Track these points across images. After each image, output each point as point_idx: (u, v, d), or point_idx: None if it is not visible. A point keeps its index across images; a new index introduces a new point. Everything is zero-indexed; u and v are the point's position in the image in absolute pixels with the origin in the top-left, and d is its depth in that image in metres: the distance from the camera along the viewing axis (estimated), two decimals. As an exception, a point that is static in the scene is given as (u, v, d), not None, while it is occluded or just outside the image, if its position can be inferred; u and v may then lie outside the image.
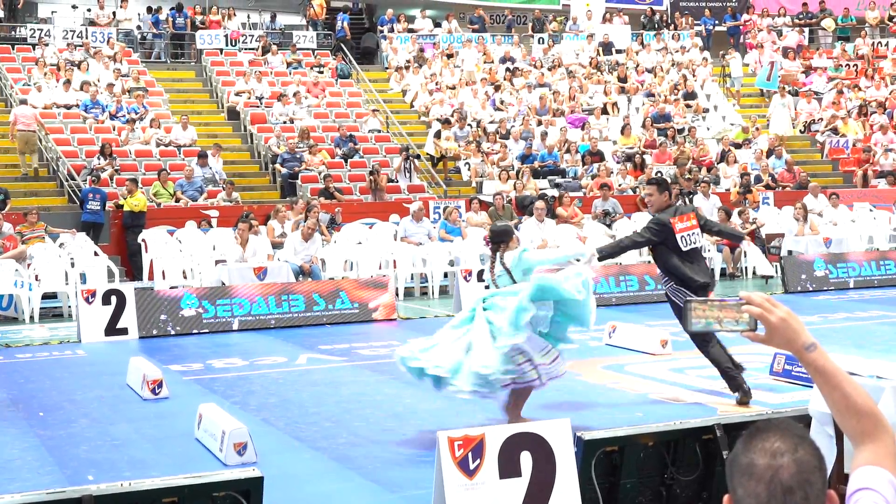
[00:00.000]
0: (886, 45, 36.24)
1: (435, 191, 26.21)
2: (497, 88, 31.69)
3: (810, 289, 19.53)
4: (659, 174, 26.46)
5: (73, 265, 18.84)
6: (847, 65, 35.34)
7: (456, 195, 25.76)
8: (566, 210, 22.98)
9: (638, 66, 34.03)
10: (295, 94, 28.96)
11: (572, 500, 6.42)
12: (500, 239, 9.52)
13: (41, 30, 31.59)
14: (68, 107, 27.15)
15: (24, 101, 26.45)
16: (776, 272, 21.22)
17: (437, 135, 27.86)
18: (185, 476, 5.98)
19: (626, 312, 16.95)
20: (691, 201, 24.64)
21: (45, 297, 18.32)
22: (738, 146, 29.47)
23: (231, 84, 30.00)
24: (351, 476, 8.01)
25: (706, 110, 32.43)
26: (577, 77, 32.82)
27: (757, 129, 30.48)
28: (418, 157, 27.19)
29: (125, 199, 22.14)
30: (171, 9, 33.49)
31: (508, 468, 6.40)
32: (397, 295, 18.82)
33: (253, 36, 33.23)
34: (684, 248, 10.07)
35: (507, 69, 33.01)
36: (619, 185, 26.34)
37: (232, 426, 8.27)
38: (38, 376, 12.63)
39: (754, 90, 34.76)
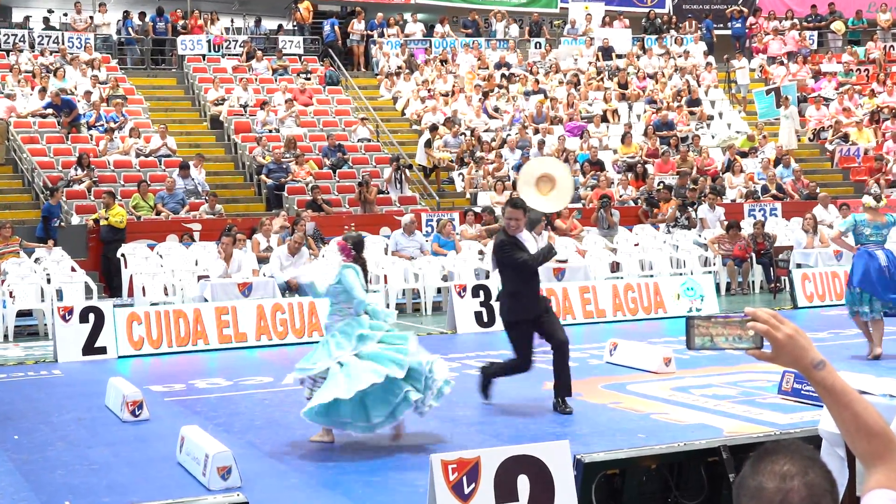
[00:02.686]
0: (898, 48, 36.38)
1: (427, 202, 26.23)
2: (487, 95, 31.70)
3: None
4: (661, 185, 26.52)
5: (49, 281, 18.82)
6: (858, 69, 35.43)
7: (449, 207, 25.77)
8: (564, 222, 23.00)
9: (639, 71, 34.12)
10: (287, 102, 28.99)
11: (572, 526, 6.42)
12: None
13: (15, 35, 31.61)
14: (44, 116, 27.15)
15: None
16: (785, 286, 21.26)
17: (428, 143, 27.87)
18: (166, 502, 5.98)
19: (627, 329, 16.96)
20: (696, 212, 24.71)
21: (20, 314, 18.28)
22: (744, 155, 29.52)
23: (213, 91, 30.00)
24: (340, 501, 8.00)
25: (710, 117, 32.49)
26: (576, 83, 32.90)
27: (764, 136, 30.52)
28: (410, 167, 27.20)
29: (103, 212, 22.09)
30: (145, 13, 33.52)
31: (505, 492, 6.40)
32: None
33: (237, 41, 33.28)
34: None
35: (503, 75, 33.07)
36: (620, 196, 26.38)
37: (215, 449, 8.26)
38: (13, 398, 12.60)
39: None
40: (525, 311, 10.65)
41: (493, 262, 11.16)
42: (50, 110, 27.09)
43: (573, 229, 22.99)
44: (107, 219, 21.84)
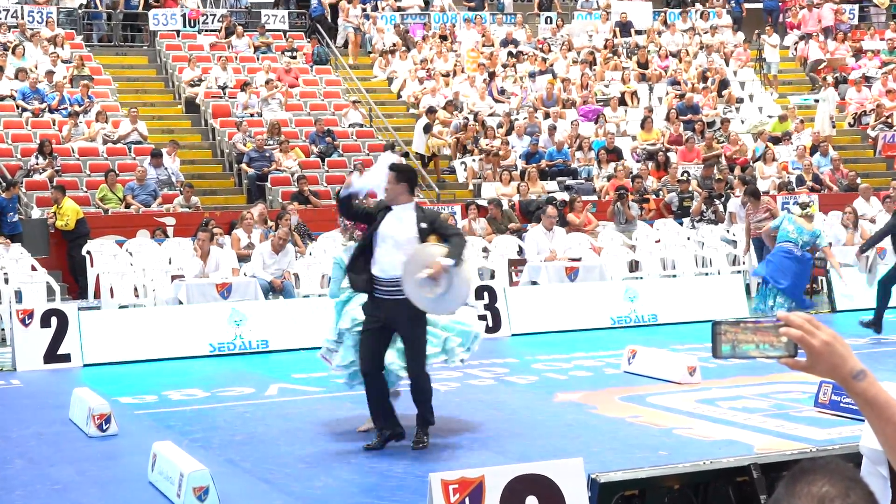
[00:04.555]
0: (949, 24, 36.37)
1: (426, 194, 26.23)
2: (492, 76, 31.71)
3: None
4: (686, 175, 26.52)
5: (6, 281, 18.79)
6: (903, 47, 35.44)
7: (450, 199, 25.78)
8: (578, 217, 22.98)
9: (661, 49, 34.10)
10: (270, 83, 28.96)
11: (586, 553, 6.43)
12: None
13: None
14: (1, 98, 27.13)
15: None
16: (822, 287, 21.24)
17: (427, 129, 27.85)
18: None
19: (646, 335, 16.96)
20: (725, 206, 24.69)
21: (-26, 318, 18.28)
22: (776, 141, 29.47)
23: (188, 71, 29.96)
24: (329, 525, 8.01)
25: (740, 101, 32.48)
26: (591, 62, 32.88)
27: (801, 121, 30.50)
28: (406, 155, 27.20)
29: (54, 209, 21.97)
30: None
31: (512, 516, 6.40)
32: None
33: (215, 16, 33.26)
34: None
35: (510, 53, 33.06)
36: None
37: (191, 468, 8.26)
38: (-33, 410, 12.61)
39: (796, 76, 34.85)
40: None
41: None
42: (10, 95, 27.07)
43: (587, 224, 22.97)
44: (55, 217, 21.83)
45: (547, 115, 29.75)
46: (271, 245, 18.66)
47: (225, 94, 29.19)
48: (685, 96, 31.00)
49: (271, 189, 25.12)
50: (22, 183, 23.57)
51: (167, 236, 22.17)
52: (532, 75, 31.85)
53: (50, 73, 28.02)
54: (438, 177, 27.40)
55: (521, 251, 21.33)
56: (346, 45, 33.51)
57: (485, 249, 21.61)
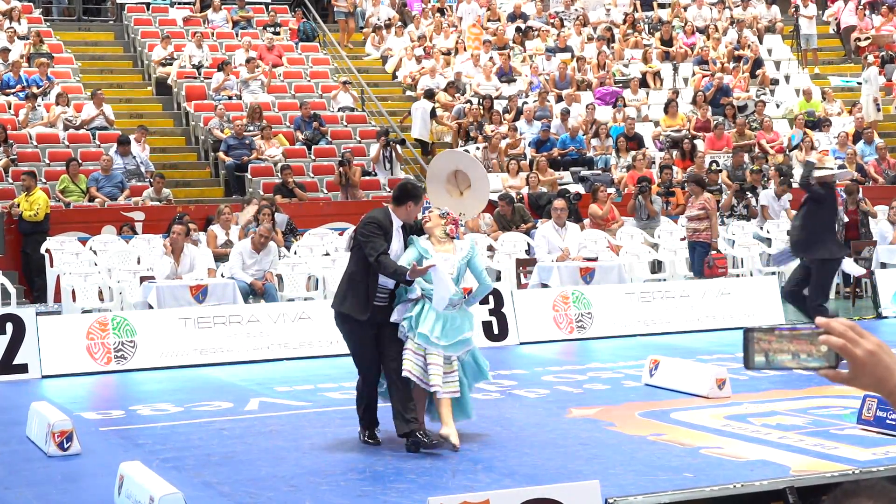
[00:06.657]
0: None
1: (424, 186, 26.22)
2: (499, 52, 31.72)
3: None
4: (714, 164, 26.51)
5: (-44, 283, 18.84)
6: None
7: (452, 192, 25.75)
8: (601, 207, 22.82)
9: (686, 24, 34.10)
10: (248, 62, 28.95)
11: (603, 586, 6.44)
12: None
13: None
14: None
15: None
16: (866, 291, 21.25)
17: (433, 114, 27.86)
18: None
19: (670, 343, 16.95)
20: (756, 199, 24.68)
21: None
22: (814, 127, 29.42)
23: (159, 49, 29.97)
24: (317, 555, 8.02)
25: (775, 82, 32.46)
26: (608, 39, 32.88)
27: (856, 104, 30.43)
28: (402, 142, 27.19)
29: (23, 198, 21.99)
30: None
31: (520, 545, 6.41)
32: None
33: (189, -14, 33.29)
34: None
35: (518, 29, 33.05)
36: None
37: (162, 491, 8.26)
38: (-88, 427, 12.61)
39: (838, 55, 34.82)
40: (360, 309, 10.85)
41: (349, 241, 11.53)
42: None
43: (611, 218, 22.85)
44: (20, 207, 21.81)
45: (559, 99, 29.76)
46: (251, 243, 18.65)
47: (200, 74, 29.19)
48: (714, 77, 30.98)
49: (251, 180, 25.11)
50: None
51: (135, 233, 22.17)
52: (551, 51, 31.83)
53: (5, 51, 28.01)
54: (438, 167, 27.37)
55: (530, 250, 21.32)
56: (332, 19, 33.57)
57: (490, 248, 21.59)
